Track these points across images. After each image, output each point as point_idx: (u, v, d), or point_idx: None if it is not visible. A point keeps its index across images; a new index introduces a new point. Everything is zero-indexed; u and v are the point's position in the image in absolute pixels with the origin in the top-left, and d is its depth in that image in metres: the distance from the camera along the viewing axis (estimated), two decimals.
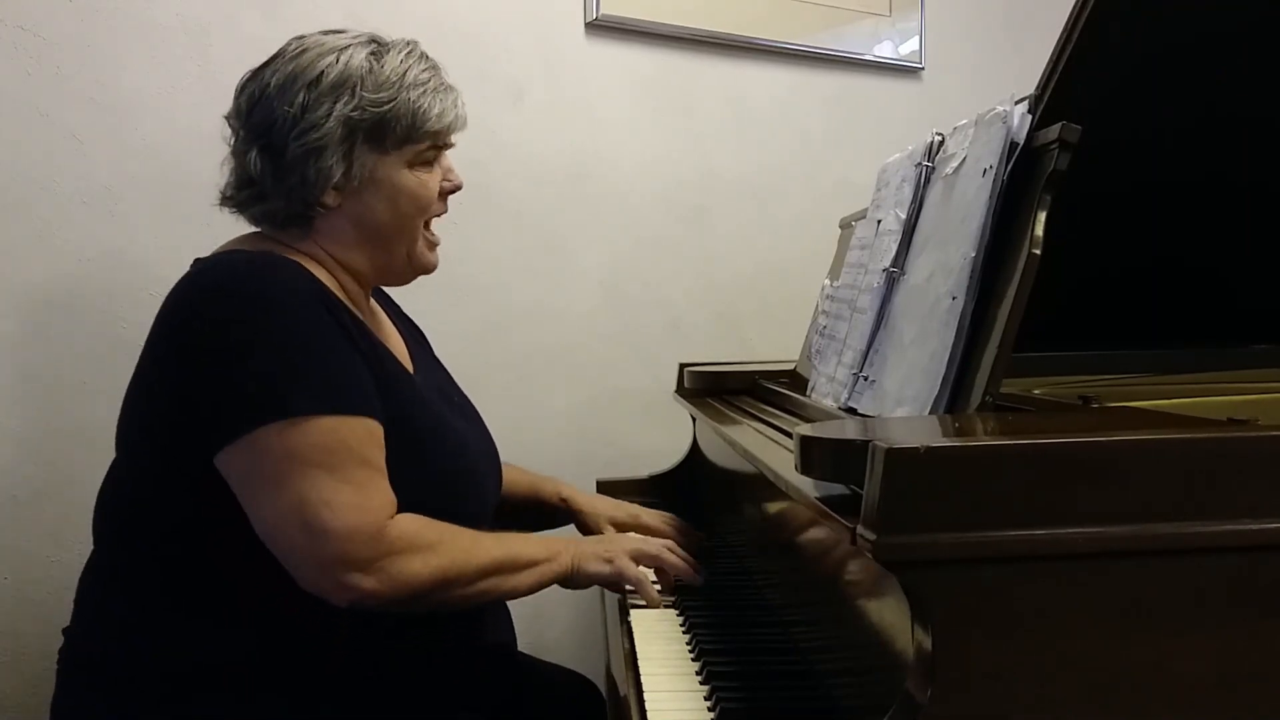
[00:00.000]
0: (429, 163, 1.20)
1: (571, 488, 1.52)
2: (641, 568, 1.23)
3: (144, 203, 1.65)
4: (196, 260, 1.19)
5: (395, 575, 1.04)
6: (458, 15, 1.90)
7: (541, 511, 1.48)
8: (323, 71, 1.14)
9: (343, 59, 1.15)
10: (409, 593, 1.05)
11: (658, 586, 1.25)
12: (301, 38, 1.18)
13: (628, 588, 1.22)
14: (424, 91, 1.17)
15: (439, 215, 1.25)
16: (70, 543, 1.58)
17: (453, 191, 1.25)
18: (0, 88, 1.55)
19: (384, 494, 1.06)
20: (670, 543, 1.29)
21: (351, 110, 1.13)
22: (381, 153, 1.16)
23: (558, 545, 1.20)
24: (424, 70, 1.19)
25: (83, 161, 1.61)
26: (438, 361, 1.40)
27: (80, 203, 1.61)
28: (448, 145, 1.23)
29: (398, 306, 1.42)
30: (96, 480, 1.18)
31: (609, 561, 1.20)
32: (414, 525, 1.07)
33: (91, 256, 1.62)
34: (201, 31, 1.68)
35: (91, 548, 1.19)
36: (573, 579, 1.19)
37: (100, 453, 1.18)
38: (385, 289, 1.40)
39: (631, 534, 1.37)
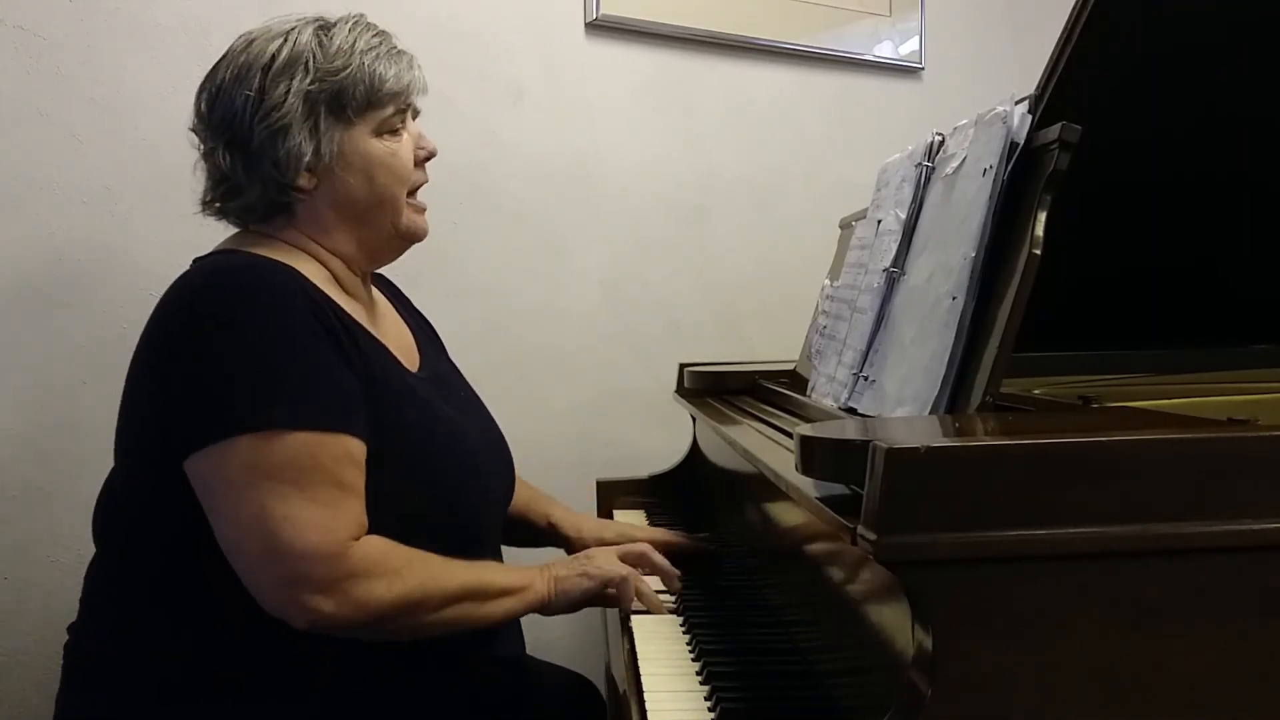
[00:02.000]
0: (396, 130, 1.20)
1: (564, 510, 1.50)
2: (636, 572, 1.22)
3: (144, 203, 1.65)
4: (195, 260, 1.18)
5: (356, 598, 1.02)
6: (458, 15, 1.90)
7: (528, 532, 1.47)
8: (274, 54, 1.14)
9: (290, 38, 1.15)
10: (370, 617, 1.03)
11: (664, 596, 1.23)
12: (248, 32, 1.19)
13: (625, 595, 1.21)
14: (376, 56, 1.17)
15: (421, 184, 1.24)
16: (70, 543, 1.58)
17: (428, 158, 1.25)
18: (0, 88, 1.55)
19: (351, 515, 1.04)
20: (649, 545, 1.29)
21: (309, 85, 1.14)
22: (346, 124, 1.16)
23: (532, 573, 1.18)
24: (373, 37, 1.19)
25: (83, 161, 1.61)
26: (446, 356, 1.40)
27: (80, 203, 1.61)
28: (412, 109, 1.23)
29: (407, 300, 1.42)
30: (96, 480, 1.18)
31: (590, 575, 1.19)
32: (379, 547, 1.05)
33: (91, 256, 1.62)
34: (201, 31, 1.68)
35: (93, 547, 1.19)
36: (552, 605, 1.18)
37: (99, 452, 1.18)
38: (391, 281, 1.40)
39: (607, 549, 1.32)
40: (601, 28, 2.03)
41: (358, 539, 1.04)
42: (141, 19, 1.65)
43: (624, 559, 1.24)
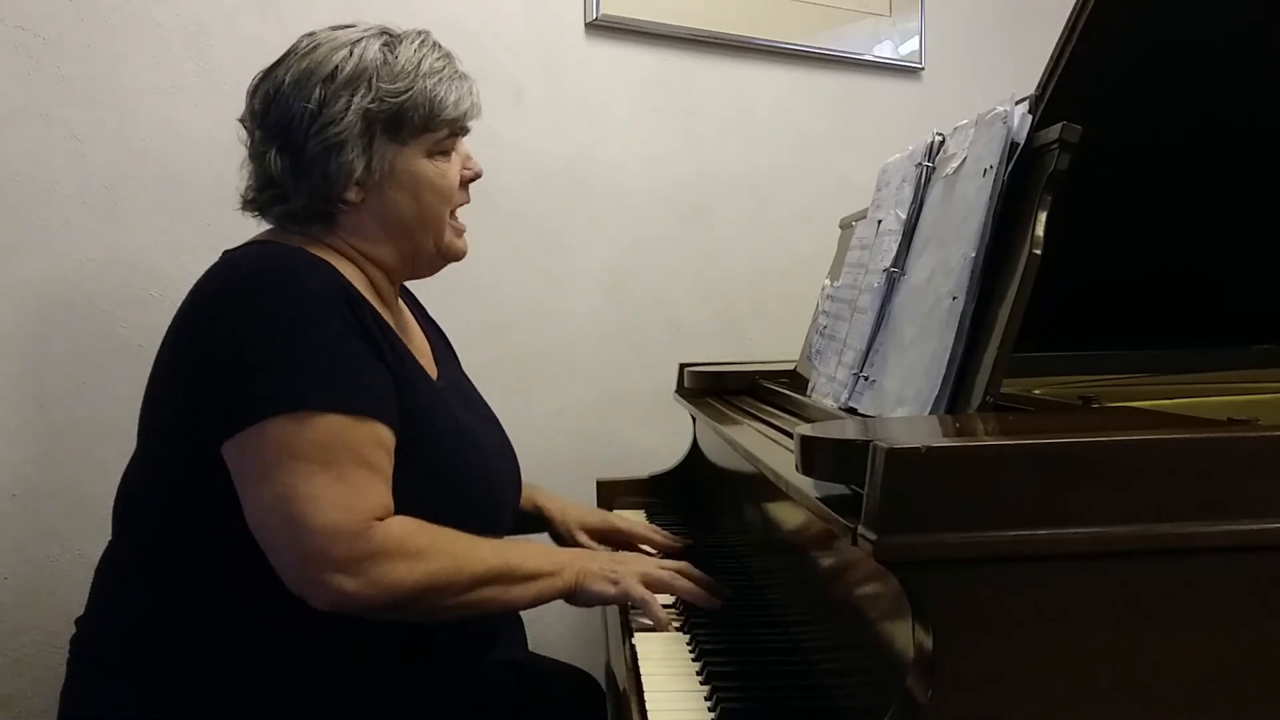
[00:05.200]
0: (447, 152, 1.21)
1: (546, 495, 1.50)
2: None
3: (144, 203, 1.65)
4: (226, 252, 1.18)
5: (378, 579, 1.02)
6: (458, 15, 1.90)
7: (518, 518, 1.45)
8: (337, 66, 1.14)
9: (356, 52, 1.15)
10: (392, 598, 1.03)
11: (672, 612, 1.20)
12: (312, 34, 1.18)
13: (633, 607, 1.20)
14: (439, 80, 1.18)
15: (462, 204, 1.26)
16: (70, 542, 1.58)
17: (473, 179, 1.26)
18: (0, 88, 1.55)
19: (378, 497, 1.05)
20: (683, 565, 1.23)
21: (369, 103, 1.14)
22: (400, 144, 1.17)
23: (562, 559, 1.17)
24: (438, 59, 1.19)
25: (83, 161, 1.61)
26: (460, 367, 1.40)
27: (80, 203, 1.61)
28: (464, 131, 1.24)
29: (424, 309, 1.42)
30: (96, 479, 1.19)
31: (615, 582, 1.17)
32: (405, 528, 1.05)
33: (91, 257, 1.62)
34: (201, 31, 1.68)
35: (98, 542, 1.19)
36: (576, 596, 1.16)
37: (99, 452, 1.18)
38: (411, 290, 1.40)
39: (641, 555, 1.34)
40: (601, 28, 2.03)
41: (382, 519, 1.04)
42: (141, 19, 1.65)
43: (650, 585, 1.18)
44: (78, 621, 1.18)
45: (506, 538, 1.24)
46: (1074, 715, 0.69)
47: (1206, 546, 0.69)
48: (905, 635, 0.72)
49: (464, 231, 1.27)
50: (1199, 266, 1.32)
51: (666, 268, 2.14)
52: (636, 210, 2.10)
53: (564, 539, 1.47)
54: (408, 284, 1.37)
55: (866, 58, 2.30)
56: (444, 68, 1.19)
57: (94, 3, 1.61)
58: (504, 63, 1.96)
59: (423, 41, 1.20)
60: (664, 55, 2.11)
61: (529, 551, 1.16)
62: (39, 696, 1.54)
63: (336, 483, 1.02)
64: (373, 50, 1.16)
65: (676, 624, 1.20)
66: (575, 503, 1.54)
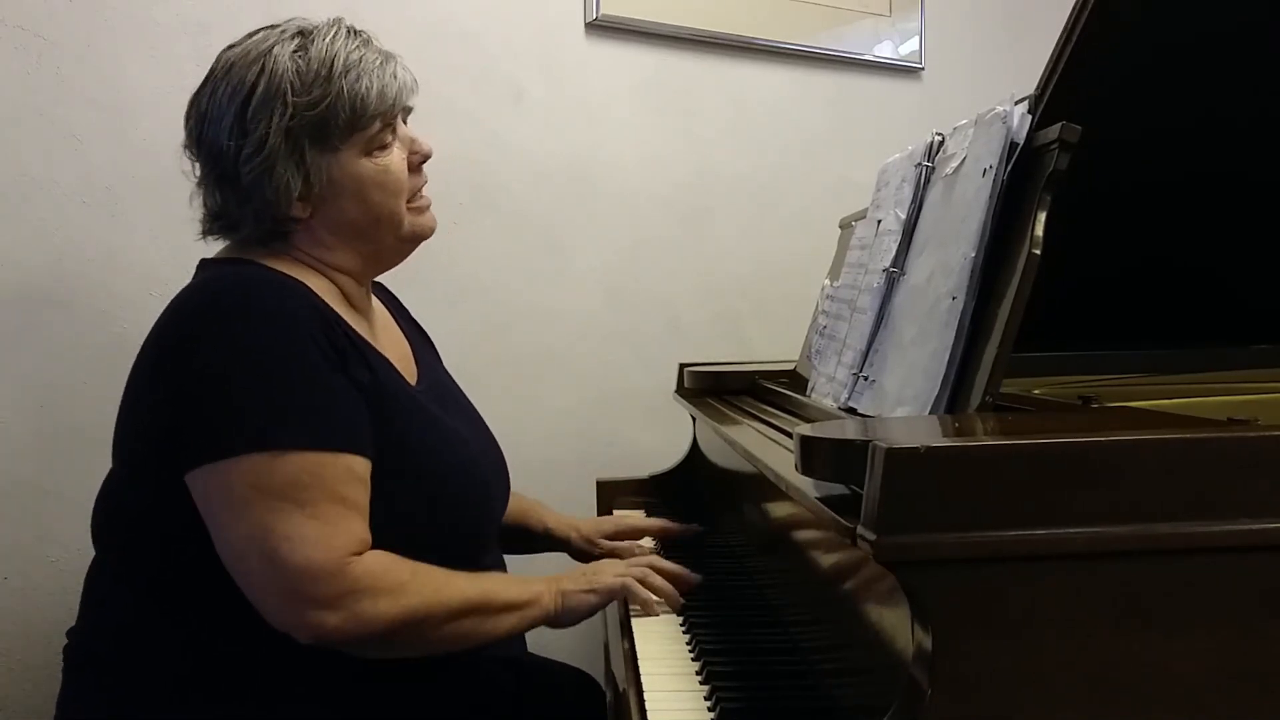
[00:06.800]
0: (385, 145, 1.16)
1: (556, 516, 1.51)
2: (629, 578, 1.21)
3: (144, 203, 1.65)
4: (202, 261, 1.18)
5: (360, 614, 1.02)
6: (458, 15, 1.90)
7: (528, 539, 1.48)
8: (251, 86, 1.11)
9: (268, 66, 1.11)
10: (375, 633, 1.03)
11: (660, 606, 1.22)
12: (230, 49, 1.16)
13: (633, 607, 1.21)
14: (359, 75, 1.12)
15: (419, 188, 1.21)
16: (70, 543, 1.58)
17: (423, 161, 1.21)
18: (0, 88, 1.55)
19: (353, 532, 1.04)
20: (652, 559, 1.27)
21: (289, 121, 1.10)
22: (333, 151, 1.13)
23: (539, 586, 1.17)
24: (352, 51, 1.13)
25: (83, 161, 1.61)
26: (442, 365, 1.40)
27: (80, 203, 1.61)
28: (405, 111, 1.20)
29: (404, 309, 1.42)
30: (96, 480, 1.18)
31: (593, 590, 1.18)
32: (381, 563, 1.05)
33: (91, 256, 1.62)
34: (201, 31, 1.68)
35: (92, 547, 1.19)
36: (560, 618, 1.17)
37: (99, 452, 1.18)
38: (389, 289, 1.40)
39: (612, 560, 1.33)
40: (601, 28, 2.03)
41: (360, 554, 1.04)
42: (141, 19, 1.65)
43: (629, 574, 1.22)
44: (69, 633, 1.18)
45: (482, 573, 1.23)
46: (1074, 715, 0.69)
47: (1206, 546, 0.69)
48: (905, 635, 0.72)
49: (428, 207, 1.22)
50: (1199, 266, 1.32)
51: (666, 268, 2.14)
52: (636, 210, 2.10)
53: (585, 553, 1.47)
54: (389, 286, 1.38)
55: (866, 58, 2.30)
56: (361, 59, 1.13)
57: (94, 3, 1.61)
58: (504, 63, 1.96)
59: (335, 34, 1.14)
60: (664, 55, 2.11)
61: (505, 581, 1.17)
62: (39, 697, 1.53)
63: (311, 520, 1.01)
64: (284, 60, 1.11)
65: (667, 610, 1.21)
66: (585, 518, 1.55)
